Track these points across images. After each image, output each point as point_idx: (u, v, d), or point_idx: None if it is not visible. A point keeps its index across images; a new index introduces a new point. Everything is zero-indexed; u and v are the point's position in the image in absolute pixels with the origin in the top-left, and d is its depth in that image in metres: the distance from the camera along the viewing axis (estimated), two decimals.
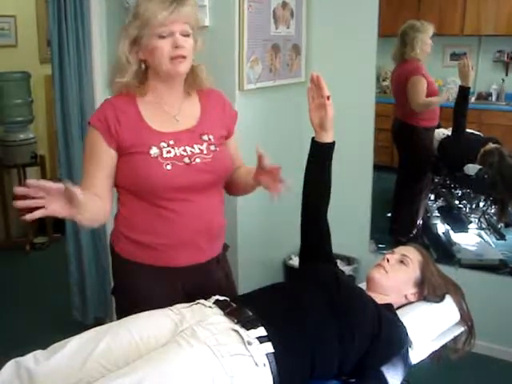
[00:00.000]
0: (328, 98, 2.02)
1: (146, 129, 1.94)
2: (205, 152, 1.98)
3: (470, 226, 3.72)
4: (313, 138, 2.14)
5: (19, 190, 1.55)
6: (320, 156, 2.14)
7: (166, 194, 1.92)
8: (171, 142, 1.93)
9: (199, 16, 1.99)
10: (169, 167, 1.90)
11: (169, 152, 1.92)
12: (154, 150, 1.90)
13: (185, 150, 1.95)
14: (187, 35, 1.90)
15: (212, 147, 2.00)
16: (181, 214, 1.95)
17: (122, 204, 2.03)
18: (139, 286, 2.00)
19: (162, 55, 1.87)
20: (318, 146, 2.11)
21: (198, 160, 1.95)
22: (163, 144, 1.92)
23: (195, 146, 1.97)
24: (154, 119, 1.96)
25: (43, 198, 1.58)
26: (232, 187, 2.20)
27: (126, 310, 1.89)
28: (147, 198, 1.93)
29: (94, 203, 1.85)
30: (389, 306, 2.03)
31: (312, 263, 2.18)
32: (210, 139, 2.01)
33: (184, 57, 1.89)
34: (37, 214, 1.58)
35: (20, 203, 1.55)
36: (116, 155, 1.94)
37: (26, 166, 5.17)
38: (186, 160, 1.93)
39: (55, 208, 1.62)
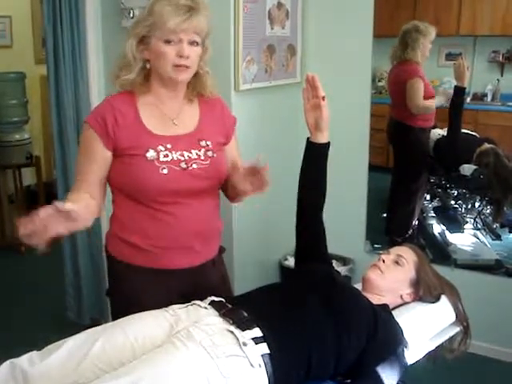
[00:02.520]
0: (323, 98, 2.02)
1: (143, 131, 1.93)
2: (202, 158, 1.97)
3: (465, 227, 3.72)
4: (308, 139, 2.14)
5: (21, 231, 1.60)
6: (315, 156, 2.14)
7: (161, 198, 1.92)
8: (169, 146, 1.92)
9: (210, 25, 1.96)
10: (165, 171, 1.89)
11: (166, 156, 1.91)
12: (150, 153, 1.89)
13: (182, 155, 1.94)
14: (196, 44, 1.89)
15: (209, 153, 2.00)
16: (175, 217, 1.95)
17: (116, 205, 2.03)
18: (134, 288, 1.99)
19: (166, 61, 1.87)
20: (313, 146, 2.11)
21: (194, 165, 1.95)
22: (161, 147, 1.91)
23: (193, 151, 1.96)
24: (152, 122, 1.95)
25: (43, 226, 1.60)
26: (230, 194, 2.17)
27: (120, 311, 1.88)
28: (141, 200, 1.93)
29: (87, 208, 1.82)
30: (384, 307, 2.04)
31: (308, 264, 2.18)
32: (207, 145, 2.01)
33: (187, 67, 1.89)
34: (43, 242, 1.65)
35: (27, 241, 1.63)
36: (111, 156, 1.93)
37: (21, 167, 5.17)
38: (183, 165, 1.93)
39: (57, 229, 1.63)
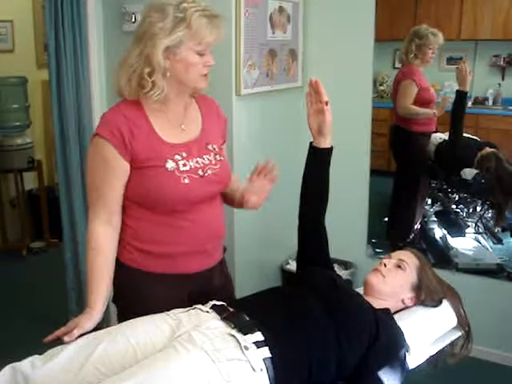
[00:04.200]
0: (326, 103, 2.02)
1: (158, 141, 1.90)
2: (213, 162, 1.98)
3: (467, 231, 3.73)
4: (310, 144, 2.14)
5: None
6: (318, 161, 2.14)
7: (180, 207, 1.92)
8: (184, 155, 1.91)
9: None
10: (186, 181, 1.88)
11: (184, 165, 1.90)
12: (170, 164, 1.87)
13: (197, 162, 1.93)
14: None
15: (217, 157, 2.00)
16: (191, 222, 1.95)
17: (128, 216, 1.98)
18: (149, 295, 1.98)
19: (195, 72, 1.86)
20: (315, 151, 2.11)
21: (209, 172, 1.95)
22: (177, 157, 1.90)
23: (205, 156, 1.97)
24: (163, 130, 1.92)
25: None
26: (227, 199, 2.21)
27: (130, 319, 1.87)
28: (158, 209, 1.92)
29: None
30: (386, 311, 2.03)
31: (309, 268, 2.18)
32: (214, 149, 2.01)
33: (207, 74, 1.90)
34: None
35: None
36: (129, 168, 1.89)
37: (23, 171, 5.17)
38: (200, 172, 1.93)
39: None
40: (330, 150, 2.12)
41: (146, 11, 1.87)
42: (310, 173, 2.18)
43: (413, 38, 3.51)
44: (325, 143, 2.10)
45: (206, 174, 1.94)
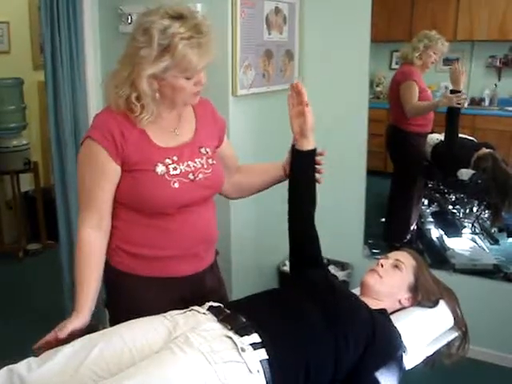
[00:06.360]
0: (307, 104, 2.02)
1: (149, 145, 1.89)
2: (205, 166, 1.97)
3: (463, 231, 3.73)
4: (293, 146, 2.13)
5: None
6: (303, 163, 2.13)
7: (170, 210, 1.91)
8: (175, 158, 1.91)
9: None
10: (176, 185, 1.88)
11: (175, 169, 1.89)
12: (160, 168, 1.87)
13: (188, 166, 1.93)
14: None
15: (210, 161, 2.00)
16: (181, 226, 1.95)
17: (117, 218, 1.97)
18: (139, 299, 1.97)
19: (185, 93, 1.85)
20: (299, 153, 2.11)
21: (200, 176, 1.94)
22: (168, 161, 1.89)
23: (196, 160, 1.96)
24: (156, 133, 1.91)
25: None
26: (240, 191, 2.28)
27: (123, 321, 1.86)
28: (148, 212, 1.92)
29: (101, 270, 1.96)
30: (382, 311, 2.03)
31: (302, 268, 2.17)
32: (207, 152, 2.00)
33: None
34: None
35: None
36: (120, 171, 1.89)
37: (19, 173, 5.16)
38: (191, 176, 1.92)
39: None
40: (313, 152, 2.11)
41: (134, 28, 1.85)
42: (296, 175, 2.16)
43: (422, 39, 3.52)
44: (308, 145, 2.09)
45: (196, 178, 1.93)
